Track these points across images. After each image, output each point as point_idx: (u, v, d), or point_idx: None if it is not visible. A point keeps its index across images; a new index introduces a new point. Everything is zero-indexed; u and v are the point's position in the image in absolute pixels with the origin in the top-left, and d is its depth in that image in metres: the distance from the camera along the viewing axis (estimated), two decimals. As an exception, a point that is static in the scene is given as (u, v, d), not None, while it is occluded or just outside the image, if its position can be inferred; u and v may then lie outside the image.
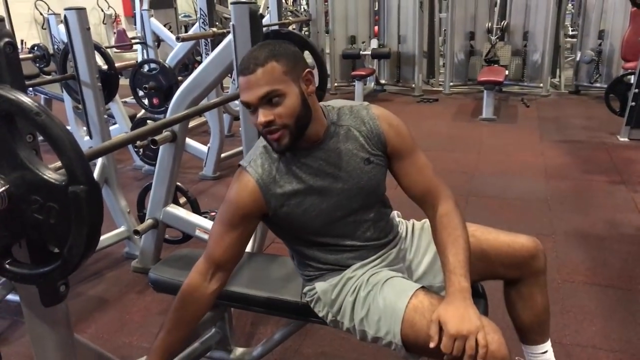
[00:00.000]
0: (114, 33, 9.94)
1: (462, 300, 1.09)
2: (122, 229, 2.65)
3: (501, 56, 6.19)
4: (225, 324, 1.76)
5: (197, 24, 3.62)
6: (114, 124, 4.11)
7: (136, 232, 2.36)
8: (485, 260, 1.35)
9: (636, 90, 4.12)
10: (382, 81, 6.93)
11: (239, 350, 1.81)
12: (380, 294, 1.23)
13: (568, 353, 1.85)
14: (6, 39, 0.98)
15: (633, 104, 4.18)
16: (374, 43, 6.57)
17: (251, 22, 1.97)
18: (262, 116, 1.13)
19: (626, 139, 4.29)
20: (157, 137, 2.15)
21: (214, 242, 1.27)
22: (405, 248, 1.42)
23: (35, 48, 4.09)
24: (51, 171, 0.88)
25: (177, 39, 3.13)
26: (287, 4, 7.09)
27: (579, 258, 2.49)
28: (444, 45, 6.66)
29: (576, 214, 2.99)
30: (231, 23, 2.01)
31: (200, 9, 3.45)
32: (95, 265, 2.63)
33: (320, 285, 1.34)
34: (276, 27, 3.40)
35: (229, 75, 2.15)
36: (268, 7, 4.43)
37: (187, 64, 4.46)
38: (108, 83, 2.53)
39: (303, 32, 7.89)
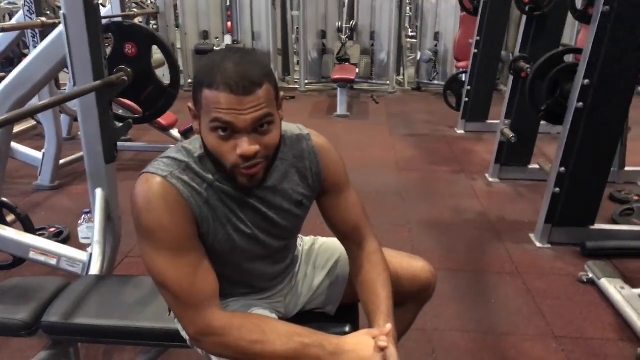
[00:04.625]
0: None
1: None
2: None
3: (351, 55, 6.46)
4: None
5: (21, 11, 3.13)
6: None
7: (-51, 262, 1.95)
8: None
9: (468, 87, 4.57)
10: (238, 78, 6.79)
11: (91, 388, 1.59)
12: None
13: (429, 338, 1.95)
14: None
15: (466, 99, 4.64)
16: (228, 39, 6.41)
17: (87, 11, 1.73)
18: (249, 145, 0.93)
19: (462, 132, 4.75)
20: (-29, 147, 1.79)
21: (178, 279, 1.00)
22: (297, 273, 1.34)
23: None
24: None
25: (-6, 28, 2.67)
26: (130, -6, 6.56)
27: (432, 245, 2.67)
28: (297, 43, 6.75)
29: (426, 203, 3.21)
30: (62, 12, 1.74)
31: (25, -6, 2.99)
32: None
33: None
34: (119, 19, 3.08)
35: (65, 70, 1.86)
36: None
37: (12, 57, 3.87)
38: None
39: (151, 25, 7.39)
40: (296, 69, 7.04)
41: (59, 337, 1.44)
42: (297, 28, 6.68)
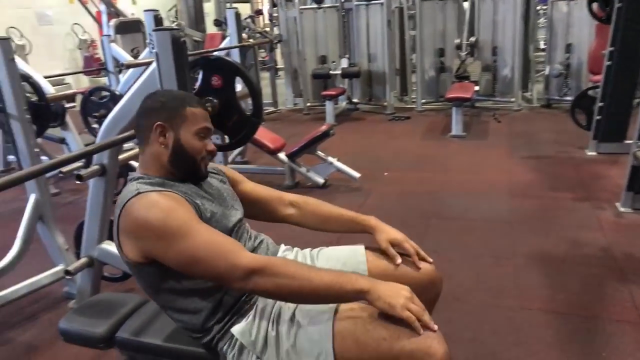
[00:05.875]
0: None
1: (384, 224, 1.40)
2: (59, 267, 2.50)
3: (471, 72, 6.17)
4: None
5: (147, 49, 3.52)
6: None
7: (67, 273, 2.21)
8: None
9: (601, 103, 4.07)
10: (355, 100, 6.87)
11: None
12: (302, 315, 1.19)
13: (520, 391, 1.74)
14: None
15: (599, 117, 4.13)
16: (344, 62, 6.52)
17: (174, 49, 1.88)
18: (212, 145, 1.33)
19: (594, 153, 4.23)
20: (83, 172, 2.03)
21: (210, 240, 1.15)
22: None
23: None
24: None
25: (122, 65, 3.03)
26: (255, 25, 7.04)
27: (538, 283, 2.39)
28: (415, 62, 6.64)
29: (538, 234, 2.89)
30: (154, 51, 1.91)
31: (149, 33, 3.33)
32: (31, 307, 2.47)
33: (237, 329, 1.23)
34: (206, 54, 3.29)
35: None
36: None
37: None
38: (38, 115, 2.40)
39: (279, 52, 7.83)
40: (413, 88, 6.91)
41: (131, 353, 1.53)
42: (414, 47, 6.57)
